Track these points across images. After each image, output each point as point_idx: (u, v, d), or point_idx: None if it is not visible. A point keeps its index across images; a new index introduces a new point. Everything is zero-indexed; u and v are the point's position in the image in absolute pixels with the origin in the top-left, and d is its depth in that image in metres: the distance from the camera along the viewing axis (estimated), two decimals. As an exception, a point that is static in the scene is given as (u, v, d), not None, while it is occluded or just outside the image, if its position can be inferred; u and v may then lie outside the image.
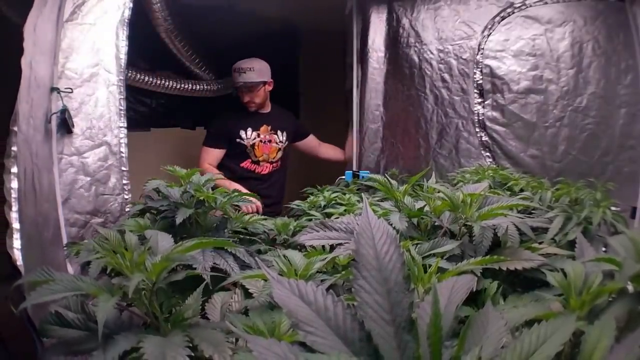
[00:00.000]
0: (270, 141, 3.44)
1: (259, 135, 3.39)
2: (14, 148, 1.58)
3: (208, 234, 1.65)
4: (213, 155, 3.32)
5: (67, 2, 2.03)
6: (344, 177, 3.28)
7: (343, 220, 1.34)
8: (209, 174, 1.80)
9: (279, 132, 3.49)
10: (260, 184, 3.37)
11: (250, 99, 3.33)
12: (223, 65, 4.22)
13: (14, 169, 1.57)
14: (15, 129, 1.58)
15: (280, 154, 3.52)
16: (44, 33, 1.84)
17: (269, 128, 3.43)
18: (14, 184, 1.56)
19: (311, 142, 3.75)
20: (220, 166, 3.35)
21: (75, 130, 2.01)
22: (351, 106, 3.51)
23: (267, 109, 3.50)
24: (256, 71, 3.29)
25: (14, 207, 1.54)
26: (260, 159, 3.41)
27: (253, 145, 3.37)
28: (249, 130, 3.36)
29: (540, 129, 2.99)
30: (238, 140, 3.34)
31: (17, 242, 1.51)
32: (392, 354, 0.64)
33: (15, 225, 1.53)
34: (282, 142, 3.51)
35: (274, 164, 3.49)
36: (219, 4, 3.24)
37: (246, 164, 3.38)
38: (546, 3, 2.99)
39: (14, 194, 1.55)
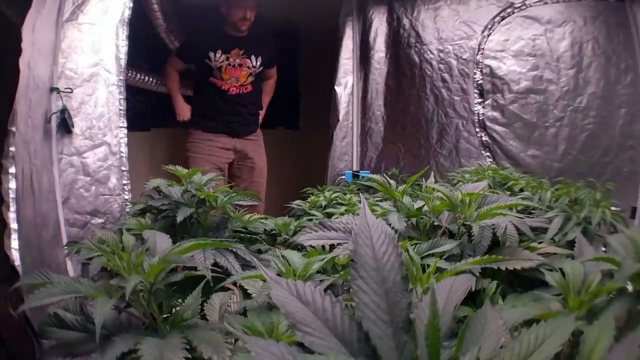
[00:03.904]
0: (241, 65, 3.33)
1: (228, 59, 3.28)
2: (12, 148, 1.57)
3: (209, 233, 1.64)
4: (178, 64, 3.39)
5: (67, 2, 2.02)
6: (344, 176, 3.28)
7: (342, 220, 1.34)
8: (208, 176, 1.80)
9: (252, 57, 3.36)
10: (225, 103, 3.34)
11: (250, 17, 3.23)
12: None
13: (12, 169, 1.56)
14: (14, 129, 1.58)
15: (251, 79, 3.41)
16: (43, 33, 1.84)
17: (242, 52, 3.32)
18: (12, 184, 1.56)
19: (268, 74, 3.63)
20: (193, 79, 3.52)
21: (75, 130, 2.01)
22: (335, 104, 3.50)
23: (244, 32, 3.34)
24: None
25: (12, 208, 1.54)
26: (228, 81, 3.34)
27: (220, 68, 3.29)
28: (219, 52, 3.26)
29: (541, 129, 2.99)
30: (206, 60, 3.27)
31: (14, 243, 1.50)
32: (391, 354, 0.64)
33: (13, 225, 1.52)
34: (255, 67, 3.39)
35: (243, 87, 3.39)
36: (219, 4, 3.24)
37: (214, 79, 3.32)
38: (546, 3, 2.99)
39: (12, 195, 1.55)
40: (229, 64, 3.29)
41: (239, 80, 3.34)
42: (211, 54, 3.24)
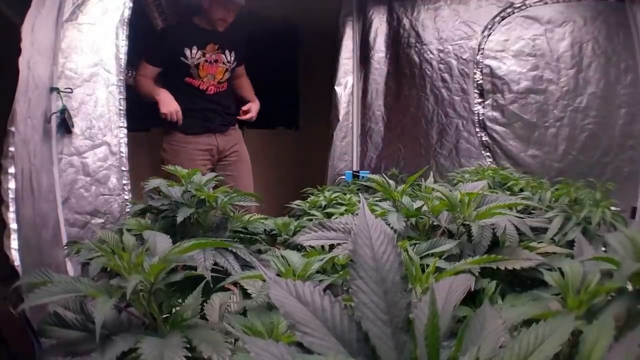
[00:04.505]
0: (216, 61, 3.14)
1: (204, 55, 3.07)
2: (12, 148, 1.57)
3: (209, 233, 1.64)
4: (151, 71, 3.06)
5: (67, 2, 2.02)
6: (344, 176, 3.28)
7: (341, 220, 1.34)
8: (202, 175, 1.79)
9: (227, 52, 3.18)
10: (205, 104, 3.13)
11: (230, 19, 3.06)
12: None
13: (12, 170, 1.57)
14: (13, 129, 1.58)
15: (227, 76, 3.22)
16: (42, 33, 1.84)
17: (216, 47, 3.13)
18: (12, 185, 1.56)
19: (238, 72, 3.42)
20: (164, 81, 3.12)
21: (75, 130, 2.01)
22: (335, 104, 3.51)
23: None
24: None
25: (12, 208, 1.54)
26: (204, 79, 3.13)
27: (197, 65, 3.07)
28: (194, 48, 3.04)
29: (541, 129, 2.99)
30: (182, 58, 3.03)
31: (14, 243, 1.50)
32: (390, 354, 0.64)
33: (13, 225, 1.52)
34: (230, 63, 3.21)
35: (221, 86, 3.21)
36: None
37: (190, 79, 3.09)
38: (546, 3, 2.99)
39: (11, 195, 1.55)
40: (206, 60, 3.09)
41: (215, 77, 3.16)
42: (187, 51, 3.02)
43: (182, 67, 3.05)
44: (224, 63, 3.18)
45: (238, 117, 3.33)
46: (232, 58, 3.22)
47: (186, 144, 3.09)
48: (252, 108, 3.35)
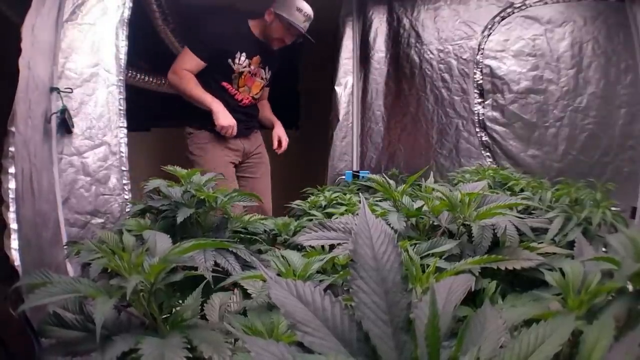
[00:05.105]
0: (255, 75, 3.04)
1: (249, 65, 2.96)
2: (12, 148, 1.57)
3: (209, 233, 1.64)
4: (195, 63, 2.84)
5: (67, 2, 2.02)
6: (344, 176, 3.29)
7: (341, 220, 1.34)
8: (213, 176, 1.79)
9: (266, 68, 3.10)
10: (234, 114, 2.91)
11: (288, 41, 2.98)
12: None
13: (12, 170, 1.56)
14: (13, 129, 1.58)
15: (260, 93, 3.16)
16: (43, 33, 1.84)
17: (260, 60, 3.02)
18: (12, 185, 1.56)
19: (265, 93, 3.34)
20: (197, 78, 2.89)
21: (75, 130, 2.01)
22: (335, 104, 3.51)
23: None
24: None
25: (12, 208, 1.53)
26: (241, 89, 3.01)
27: (241, 74, 2.96)
28: (244, 55, 2.92)
29: (541, 129, 2.99)
30: (229, 60, 2.89)
31: (14, 243, 1.50)
32: (390, 354, 0.64)
33: (13, 225, 1.52)
34: (266, 80, 3.15)
35: (254, 100, 3.13)
36: (219, 4, 3.23)
37: (226, 84, 2.97)
38: (546, 3, 2.99)
39: (11, 195, 1.54)
40: (249, 72, 2.98)
41: (251, 90, 3.05)
42: (237, 55, 2.89)
43: (224, 70, 2.92)
44: (262, 78, 3.10)
45: (274, 149, 3.24)
46: (268, 76, 3.15)
47: (213, 141, 2.97)
48: (283, 138, 3.24)
